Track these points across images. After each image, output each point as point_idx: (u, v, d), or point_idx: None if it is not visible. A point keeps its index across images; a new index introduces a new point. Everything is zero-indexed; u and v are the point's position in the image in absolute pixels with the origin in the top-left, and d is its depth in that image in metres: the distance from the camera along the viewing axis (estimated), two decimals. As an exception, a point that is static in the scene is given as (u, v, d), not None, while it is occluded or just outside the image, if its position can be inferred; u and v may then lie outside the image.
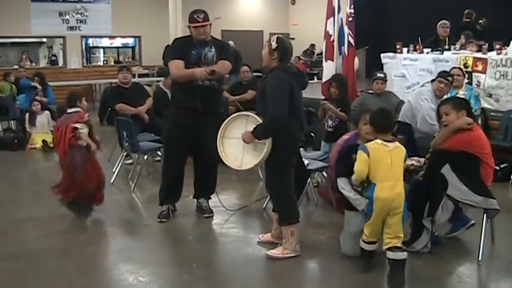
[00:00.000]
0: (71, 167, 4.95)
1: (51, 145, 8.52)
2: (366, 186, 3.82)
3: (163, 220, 4.97)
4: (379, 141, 3.76)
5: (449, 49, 8.18)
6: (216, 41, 4.96)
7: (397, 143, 3.82)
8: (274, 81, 3.95)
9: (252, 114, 4.13)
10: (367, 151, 3.72)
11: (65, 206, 5.05)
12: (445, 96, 5.84)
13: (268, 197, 4.80)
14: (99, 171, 5.15)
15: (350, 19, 8.28)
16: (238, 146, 4.11)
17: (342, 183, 4.06)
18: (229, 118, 4.28)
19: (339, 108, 5.86)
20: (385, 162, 3.69)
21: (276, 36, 4.10)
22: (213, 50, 4.81)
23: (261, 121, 3.98)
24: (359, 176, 3.80)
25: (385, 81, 6.75)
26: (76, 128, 4.94)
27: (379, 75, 6.75)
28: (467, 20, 9.53)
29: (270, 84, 3.96)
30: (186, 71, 4.70)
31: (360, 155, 3.75)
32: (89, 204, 5.07)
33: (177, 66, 4.74)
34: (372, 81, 6.82)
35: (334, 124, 5.90)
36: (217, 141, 4.23)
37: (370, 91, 6.82)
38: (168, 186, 5.04)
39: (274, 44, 4.02)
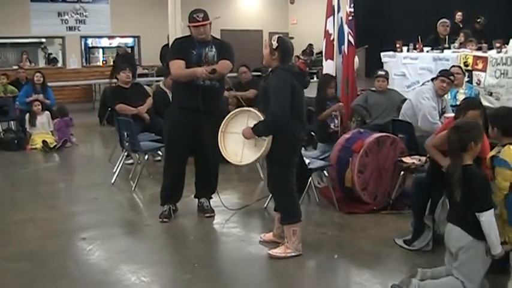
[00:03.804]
0: None
1: (52, 145, 8.54)
2: None
3: (165, 220, 4.97)
4: None
5: (449, 48, 8.19)
6: (216, 40, 4.94)
7: None
8: (277, 81, 3.95)
9: (253, 110, 4.12)
10: None
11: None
12: (445, 96, 5.87)
13: (270, 196, 4.80)
14: None
15: (350, 18, 8.27)
16: (238, 141, 4.12)
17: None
18: (231, 113, 4.29)
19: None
20: None
21: (277, 35, 4.09)
22: (214, 49, 4.81)
23: (262, 117, 3.98)
24: None
25: (387, 78, 6.81)
26: None
27: (380, 72, 6.80)
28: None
29: (272, 84, 3.96)
30: (187, 71, 4.69)
31: None
32: None
33: (178, 66, 4.73)
34: (373, 79, 6.87)
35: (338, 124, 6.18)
36: (219, 135, 4.24)
37: (373, 88, 6.86)
38: (169, 186, 5.04)
39: (275, 44, 4.00)
